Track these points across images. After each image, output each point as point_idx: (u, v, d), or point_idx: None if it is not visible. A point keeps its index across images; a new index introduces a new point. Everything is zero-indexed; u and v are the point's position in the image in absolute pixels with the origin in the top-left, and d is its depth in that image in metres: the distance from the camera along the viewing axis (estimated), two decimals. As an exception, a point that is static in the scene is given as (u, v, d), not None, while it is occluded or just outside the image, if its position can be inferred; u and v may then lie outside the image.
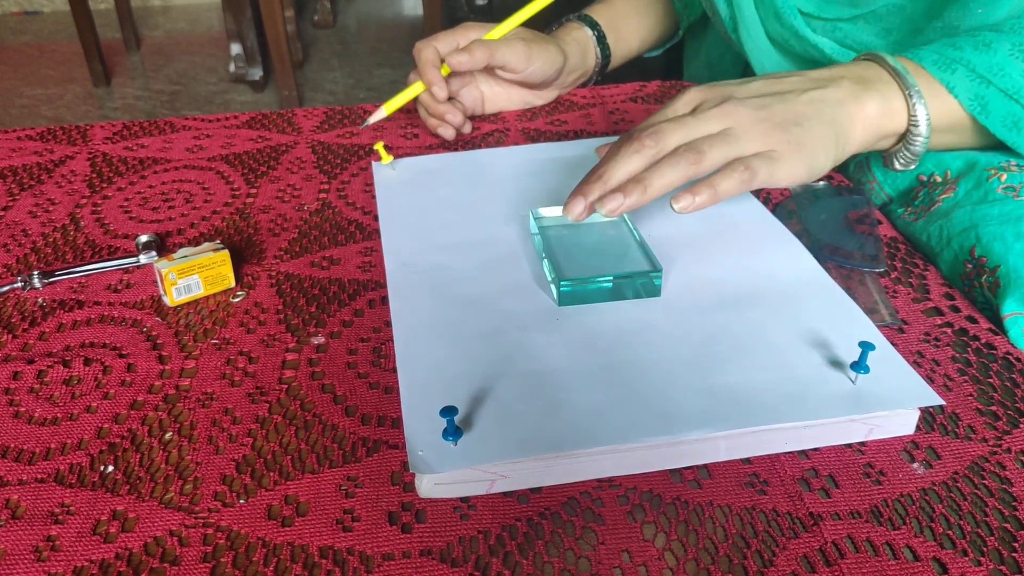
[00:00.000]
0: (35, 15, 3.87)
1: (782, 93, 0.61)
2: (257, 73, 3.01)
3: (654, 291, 0.56)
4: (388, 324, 0.58)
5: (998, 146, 0.66)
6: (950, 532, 0.43)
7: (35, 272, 0.63)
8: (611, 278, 0.56)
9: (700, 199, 0.54)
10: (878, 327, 0.54)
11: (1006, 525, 0.43)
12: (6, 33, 3.68)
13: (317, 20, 3.74)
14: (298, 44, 3.26)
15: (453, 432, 0.45)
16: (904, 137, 0.63)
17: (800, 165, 0.57)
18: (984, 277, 0.59)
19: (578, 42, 0.91)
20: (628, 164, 0.56)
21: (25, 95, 3.04)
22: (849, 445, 0.48)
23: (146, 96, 3.01)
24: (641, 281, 0.56)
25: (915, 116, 0.62)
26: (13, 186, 0.78)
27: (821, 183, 0.72)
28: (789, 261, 0.60)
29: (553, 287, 0.56)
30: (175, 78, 3.16)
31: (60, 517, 0.45)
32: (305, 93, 2.90)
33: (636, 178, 0.55)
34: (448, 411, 0.44)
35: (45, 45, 3.52)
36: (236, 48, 3.00)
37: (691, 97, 0.61)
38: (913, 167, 0.64)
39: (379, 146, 0.74)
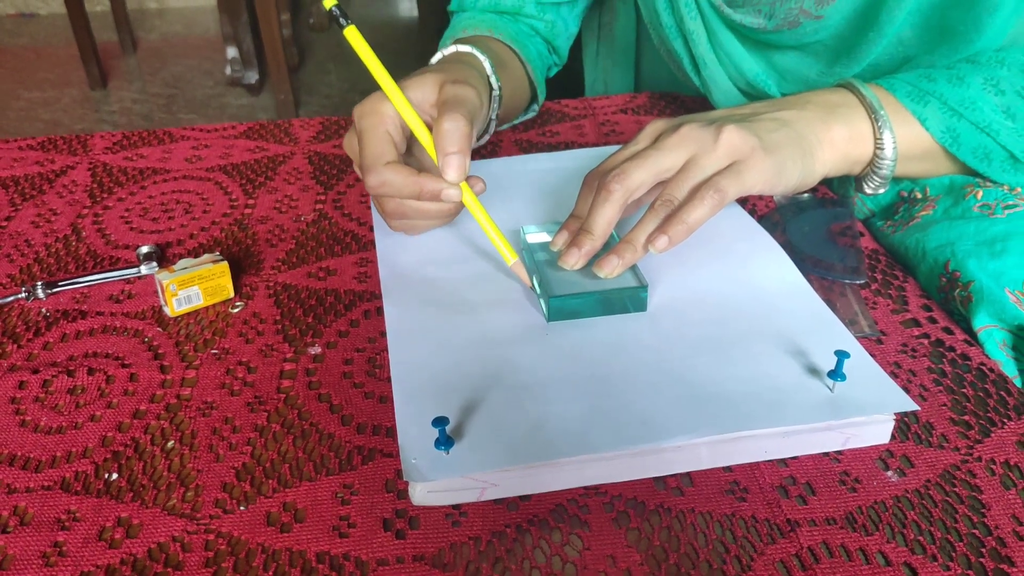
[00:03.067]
0: (31, 18, 3.88)
1: (743, 115, 0.63)
2: (253, 76, 3.03)
3: (641, 306, 0.58)
4: (383, 335, 0.60)
5: (971, 173, 0.68)
6: (921, 538, 0.45)
7: (39, 282, 0.65)
8: (599, 294, 0.57)
9: (676, 237, 0.57)
10: (858, 338, 0.56)
11: (974, 531, 0.45)
12: (2, 35, 3.69)
13: (312, 23, 3.76)
14: (293, 48, 3.27)
15: (445, 441, 0.46)
16: (871, 162, 0.65)
17: (768, 169, 0.59)
18: (957, 291, 0.61)
19: (478, 71, 0.74)
20: (605, 213, 0.58)
21: (22, 98, 3.05)
22: (826, 453, 0.50)
23: (142, 99, 3.02)
24: (628, 297, 0.58)
25: (881, 141, 0.64)
26: (15, 196, 0.80)
27: (806, 194, 0.74)
28: (773, 272, 0.62)
29: (543, 302, 0.58)
30: (171, 81, 3.17)
31: (67, 523, 0.47)
32: (301, 97, 2.92)
33: (626, 239, 0.58)
34: (440, 421, 0.46)
35: (41, 48, 3.54)
36: (232, 51, 3.02)
37: (652, 129, 0.63)
38: (883, 191, 0.66)
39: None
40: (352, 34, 0.60)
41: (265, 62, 2.94)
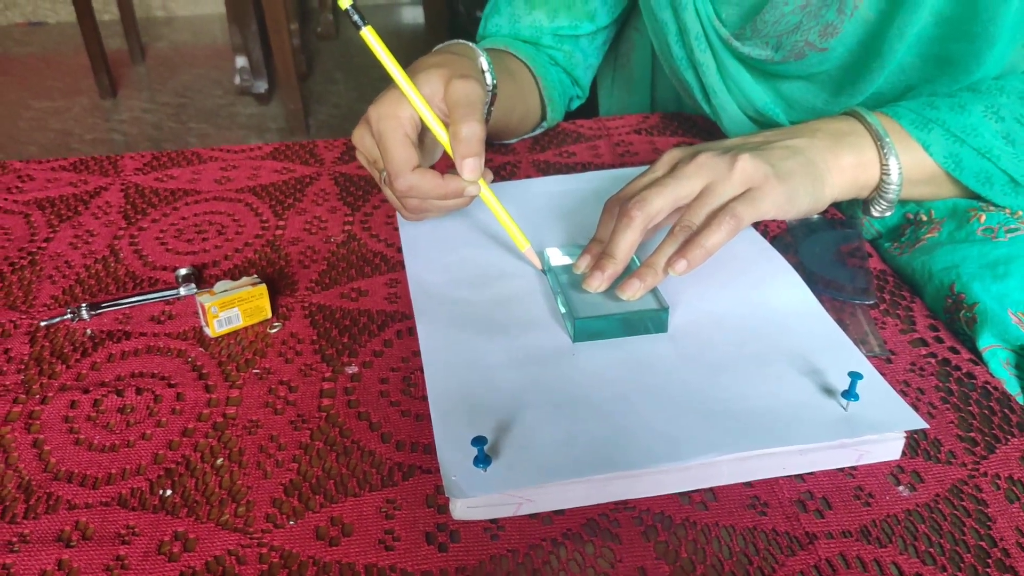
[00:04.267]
0: (40, 26, 3.91)
1: (757, 143, 0.66)
2: (262, 86, 3.06)
3: (662, 327, 0.61)
4: (415, 354, 0.63)
5: (974, 196, 0.71)
6: (931, 550, 0.48)
7: (83, 304, 0.68)
8: (622, 316, 0.60)
9: (695, 260, 0.60)
10: (868, 357, 0.59)
11: (981, 543, 0.48)
12: (11, 44, 3.72)
13: (320, 31, 3.79)
14: (302, 56, 3.31)
15: (483, 459, 0.49)
16: (878, 186, 0.68)
17: (781, 195, 0.62)
18: (962, 312, 0.64)
19: (472, 60, 0.76)
20: (627, 238, 0.62)
21: (32, 107, 3.09)
22: (841, 469, 0.53)
23: (153, 108, 3.05)
24: (650, 318, 0.61)
25: (887, 166, 0.67)
26: (52, 217, 0.83)
27: (816, 216, 0.77)
28: (787, 293, 0.65)
29: (568, 324, 0.61)
30: (181, 91, 3.21)
31: (127, 538, 0.50)
32: (310, 105, 2.95)
33: (647, 263, 0.62)
34: (479, 440, 0.49)
35: (50, 56, 3.57)
36: (241, 61, 3.05)
37: (669, 157, 0.66)
38: (889, 214, 0.69)
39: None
40: (369, 34, 0.63)
41: (274, 71, 2.97)
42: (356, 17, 0.62)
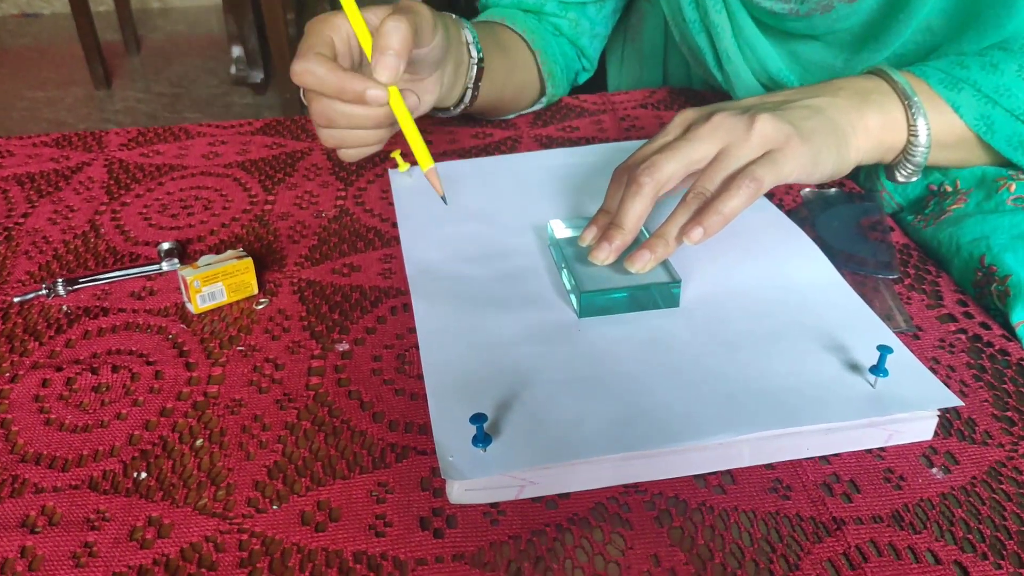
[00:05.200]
0: (35, 17, 3.87)
1: (776, 103, 0.62)
2: (258, 75, 3.01)
3: (673, 301, 0.57)
4: (411, 331, 0.59)
5: (1004, 163, 0.67)
6: (970, 536, 0.44)
7: (59, 279, 0.64)
8: (631, 290, 0.56)
9: (711, 228, 0.55)
10: (894, 333, 0.55)
11: (1025, 529, 0.44)
12: (6, 36, 3.68)
13: (317, 22, 3.74)
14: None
15: (483, 439, 0.46)
16: (904, 149, 0.64)
17: (805, 156, 0.58)
18: (994, 285, 0.60)
19: (448, 26, 0.71)
20: (635, 207, 0.57)
21: (26, 98, 3.04)
22: (869, 450, 0.49)
23: (147, 99, 3.01)
24: (660, 292, 0.57)
25: (915, 127, 0.63)
26: (31, 192, 0.79)
27: (832, 189, 0.73)
28: (806, 266, 0.61)
29: (573, 298, 0.57)
30: (176, 81, 3.16)
31: (96, 523, 0.46)
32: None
33: (657, 233, 0.57)
34: (478, 418, 0.45)
35: (45, 48, 3.53)
36: (237, 50, 3.00)
37: (682, 119, 0.62)
38: (915, 179, 0.65)
39: (396, 154, 0.75)
40: None
41: (270, 61, 2.93)
42: None
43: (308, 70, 0.61)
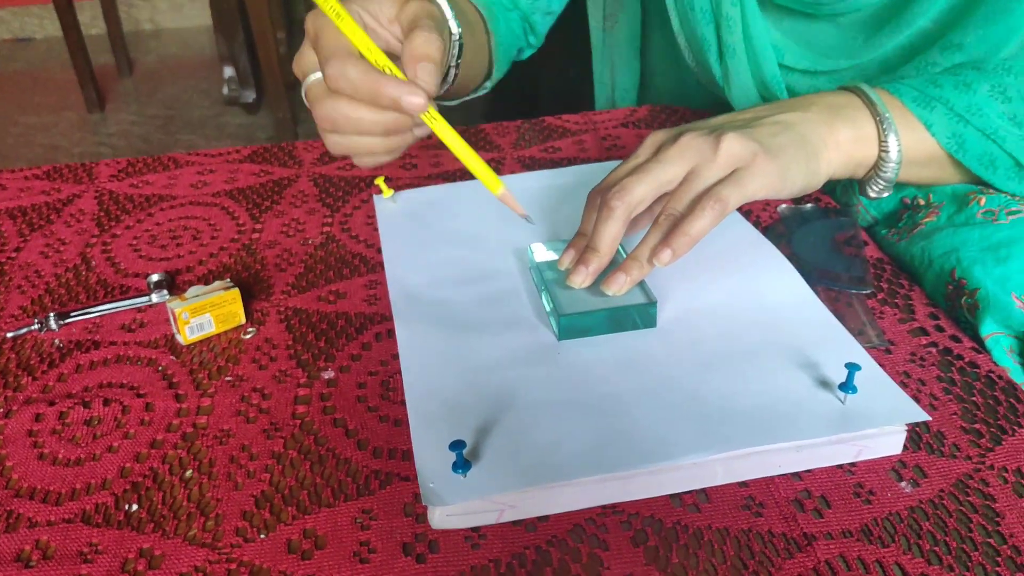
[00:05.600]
0: (27, 42, 3.89)
1: (745, 120, 0.63)
2: (250, 95, 3.03)
3: (650, 322, 0.59)
4: (395, 357, 0.60)
5: (976, 181, 0.68)
6: (937, 549, 0.45)
7: (51, 314, 0.66)
8: (608, 312, 0.58)
9: (679, 249, 0.57)
10: (866, 348, 0.57)
11: (989, 540, 0.46)
12: (-1, 61, 3.70)
13: (308, 40, 3.76)
14: (289, 65, 3.28)
15: (462, 465, 0.47)
16: (875, 165, 0.65)
17: (772, 174, 0.59)
18: (964, 299, 0.61)
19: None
20: (609, 230, 0.58)
21: (19, 123, 3.06)
22: (840, 466, 0.50)
23: (141, 121, 3.03)
24: (637, 313, 0.58)
25: (886, 144, 0.64)
26: (23, 226, 0.80)
27: (809, 204, 0.75)
28: (779, 283, 0.63)
29: (553, 321, 0.59)
30: (169, 102, 3.18)
31: (89, 556, 0.47)
32: (299, 114, 2.93)
33: (632, 255, 0.59)
34: (457, 445, 0.46)
35: (38, 72, 3.54)
36: (229, 71, 3.02)
37: (652, 140, 0.63)
38: (887, 195, 0.66)
39: (380, 181, 0.76)
40: None
41: (262, 80, 2.95)
42: None
43: (343, 75, 0.55)
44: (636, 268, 0.58)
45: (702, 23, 0.82)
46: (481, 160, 0.59)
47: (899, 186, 0.71)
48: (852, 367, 0.50)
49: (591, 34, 1.10)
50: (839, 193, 0.77)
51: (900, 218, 0.72)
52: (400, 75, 0.57)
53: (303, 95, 0.62)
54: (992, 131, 0.64)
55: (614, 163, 0.80)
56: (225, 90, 3.07)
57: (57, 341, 0.64)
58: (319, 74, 0.59)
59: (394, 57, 0.58)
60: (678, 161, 0.59)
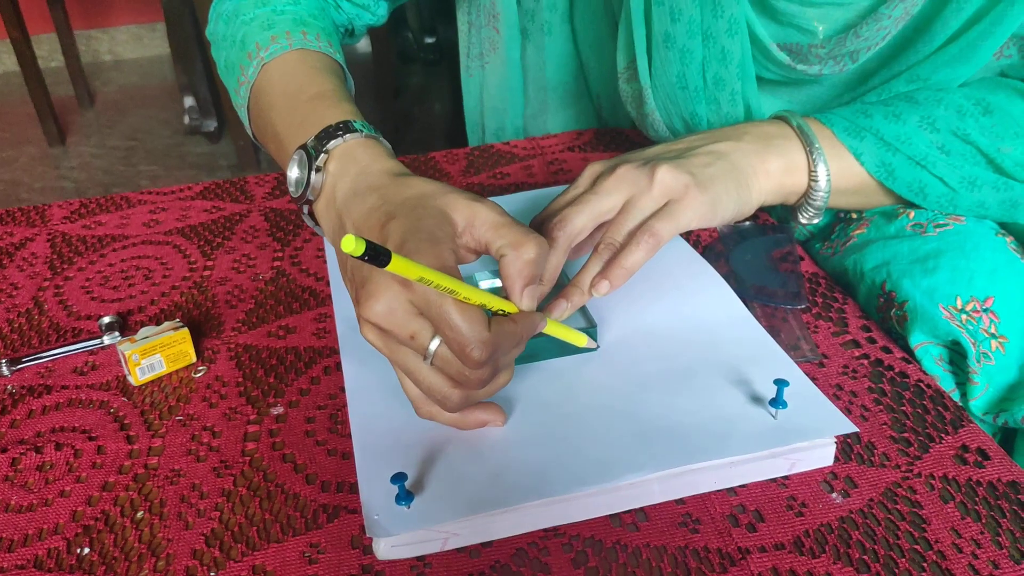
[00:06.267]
0: (-15, 77, 3.86)
1: (679, 150, 0.65)
2: (212, 124, 3.03)
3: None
4: (343, 390, 0.61)
5: (906, 205, 0.70)
6: (865, 557, 0.47)
7: (3, 360, 0.66)
8: (551, 337, 0.59)
9: (616, 281, 0.59)
10: (799, 363, 0.59)
11: (916, 546, 0.48)
12: (-43, 97, 3.67)
13: (269, 66, 3.76)
14: (251, 92, 3.28)
15: (405, 496, 0.48)
16: (806, 193, 0.67)
17: (703, 205, 0.61)
18: (893, 311, 0.63)
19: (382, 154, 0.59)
20: (551, 260, 0.58)
21: (-21, 159, 3.04)
22: (774, 479, 0.52)
23: (102, 153, 3.02)
24: (577, 338, 0.60)
25: (815, 173, 0.66)
26: (-24, 272, 0.81)
27: (747, 222, 0.77)
28: (716, 304, 0.64)
29: (496, 347, 0.60)
30: (130, 133, 3.17)
31: (40, 602, 0.48)
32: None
33: (572, 282, 0.60)
34: (398, 477, 0.48)
35: (-3, 107, 3.53)
36: (189, 100, 3.02)
37: (590, 172, 0.64)
38: (816, 221, 0.69)
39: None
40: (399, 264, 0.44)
41: (223, 109, 2.95)
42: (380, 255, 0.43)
43: (497, 345, 0.48)
44: (577, 295, 0.60)
45: (693, 101, 0.80)
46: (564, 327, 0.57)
47: (829, 210, 0.73)
48: (780, 383, 0.52)
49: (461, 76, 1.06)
50: (780, 208, 0.79)
51: (832, 231, 0.75)
52: (498, 303, 0.51)
53: (425, 360, 0.50)
54: (921, 158, 0.66)
55: (558, 189, 0.82)
56: (186, 119, 3.07)
57: (9, 387, 0.65)
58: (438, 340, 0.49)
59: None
60: (615, 193, 0.61)
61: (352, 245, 0.40)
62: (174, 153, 2.97)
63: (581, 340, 0.58)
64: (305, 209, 0.59)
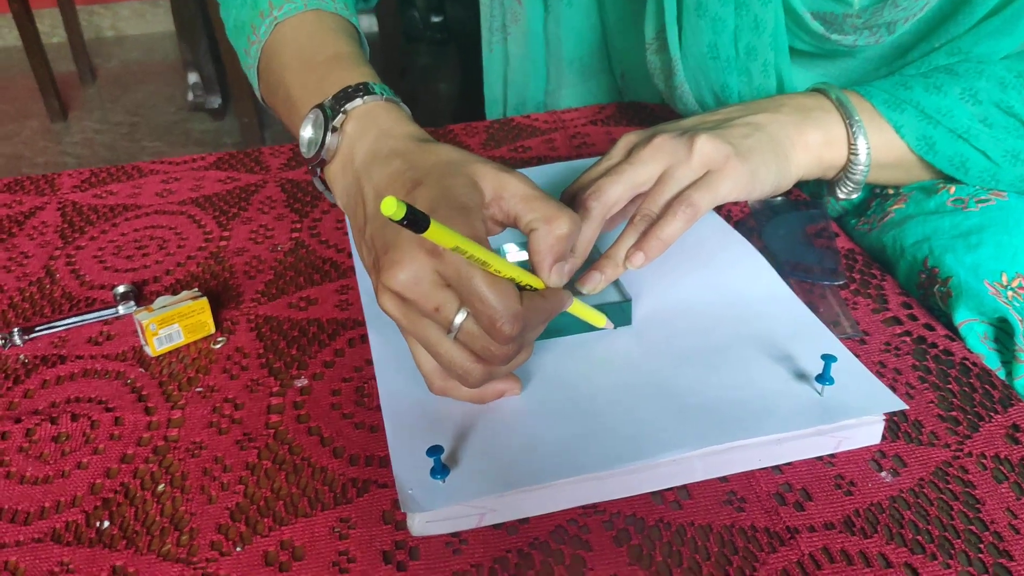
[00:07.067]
0: (-14, 52, 3.83)
1: (716, 121, 0.63)
2: (216, 101, 3.00)
3: (626, 320, 0.58)
4: (368, 362, 0.59)
5: (946, 180, 0.68)
6: (919, 537, 0.45)
7: (15, 329, 0.64)
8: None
9: (651, 253, 0.57)
10: (841, 339, 0.57)
11: (971, 527, 0.46)
12: (-43, 72, 3.64)
13: (272, 44, 3.73)
14: (255, 69, 3.25)
15: (440, 470, 0.46)
16: (845, 167, 0.65)
17: (742, 176, 0.59)
18: (936, 287, 0.61)
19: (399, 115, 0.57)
20: (584, 232, 0.56)
21: (-20, 134, 3.01)
22: (820, 458, 0.50)
23: (105, 129, 2.99)
24: (613, 311, 0.58)
25: (855, 146, 0.64)
26: (-15, 240, 0.79)
27: (779, 198, 0.75)
28: (752, 277, 0.62)
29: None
30: (133, 109, 3.14)
31: (60, 576, 0.46)
32: (265, 119, 2.90)
33: (607, 254, 0.58)
34: (434, 450, 0.46)
35: (-2, 82, 3.49)
36: (193, 77, 2.99)
37: (625, 142, 0.62)
38: (856, 196, 0.66)
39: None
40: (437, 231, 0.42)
41: (228, 85, 2.92)
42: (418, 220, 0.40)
43: (526, 321, 0.47)
44: (611, 267, 0.58)
45: (725, 72, 0.78)
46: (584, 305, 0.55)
47: (867, 185, 0.70)
48: (828, 358, 0.50)
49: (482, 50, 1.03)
50: (812, 184, 0.77)
51: (868, 207, 0.73)
52: (526, 278, 0.49)
53: (449, 334, 0.48)
54: (963, 130, 0.64)
55: (584, 162, 0.80)
56: (190, 96, 3.04)
57: (22, 357, 0.63)
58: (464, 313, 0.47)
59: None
60: (651, 163, 0.59)
61: (393, 208, 0.38)
62: (177, 130, 2.94)
63: (600, 321, 0.56)
64: (317, 172, 0.57)
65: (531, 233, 0.49)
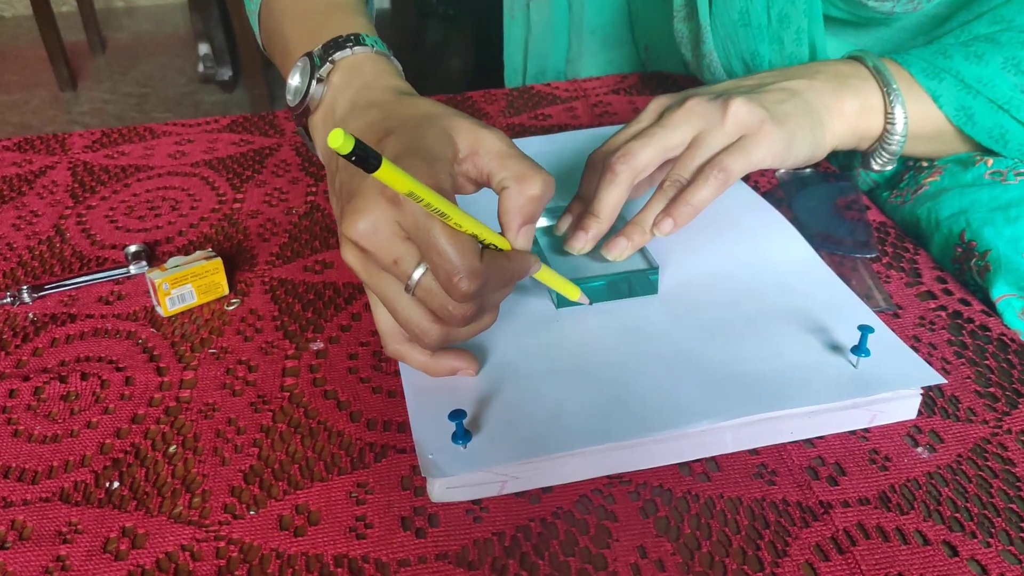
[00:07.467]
0: (-4, 20, 3.81)
1: (751, 86, 0.61)
2: (226, 73, 2.98)
3: (651, 289, 0.56)
4: (386, 327, 0.57)
5: (983, 152, 0.66)
6: (958, 515, 0.44)
7: (24, 287, 0.63)
8: (608, 278, 0.56)
9: (681, 219, 0.55)
10: (874, 312, 0.55)
11: (1012, 506, 0.44)
12: (-33, 39, 3.62)
13: (284, 17, 3.70)
14: (266, 42, 3.22)
15: (462, 435, 0.45)
16: (881, 137, 0.63)
17: (778, 142, 0.57)
18: (974, 261, 0.59)
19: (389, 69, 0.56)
20: (611, 195, 0.55)
21: (-10, 101, 3.00)
22: (853, 432, 0.49)
23: (114, 99, 2.97)
24: (639, 280, 0.56)
25: (892, 115, 0.62)
26: (-6, 199, 0.77)
27: (808, 169, 0.73)
28: (783, 247, 0.61)
29: (550, 289, 0.56)
30: (143, 80, 3.12)
31: (68, 536, 0.44)
32: (276, 91, 2.88)
33: (634, 220, 0.56)
34: (457, 414, 0.44)
35: (8, 50, 3.47)
36: (204, 48, 2.97)
37: (656, 105, 0.60)
38: (890, 168, 0.64)
39: (366, 147, 0.73)
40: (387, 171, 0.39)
41: (238, 58, 2.90)
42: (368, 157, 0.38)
43: (486, 279, 0.44)
44: (638, 234, 0.56)
45: (756, 39, 0.76)
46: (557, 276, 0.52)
47: (901, 157, 0.68)
48: (865, 329, 0.48)
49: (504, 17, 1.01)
50: (841, 157, 0.75)
51: (901, 179, 0.71)
52: (492, 236, 0.46)
53: (407, 290, 0.45)
54: (1004, 101, 0.62)
55: (607, 129, 0.78)
56: (200, 67, 3.02)
57: (31, 315, 0.61)
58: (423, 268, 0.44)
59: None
60: (683, 126, 0.57)
61: (340, 140, 0.36)
62: (187, 101, 2.92)
63: (575, 293, 0.53)
64: (302, 121, 0.55)
65: (502, 192, 0.47)
